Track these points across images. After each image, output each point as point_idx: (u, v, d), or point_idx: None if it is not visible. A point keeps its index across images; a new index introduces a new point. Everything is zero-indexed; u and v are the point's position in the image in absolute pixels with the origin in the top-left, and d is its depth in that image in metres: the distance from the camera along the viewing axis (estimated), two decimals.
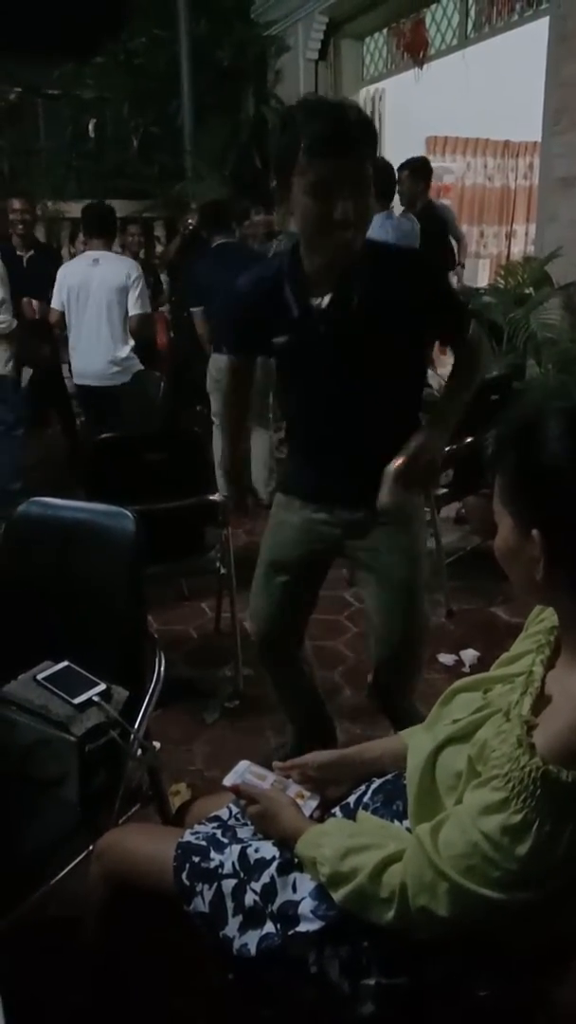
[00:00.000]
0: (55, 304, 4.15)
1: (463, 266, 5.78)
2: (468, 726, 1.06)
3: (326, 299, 1.69)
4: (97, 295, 4.00)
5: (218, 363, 4.35)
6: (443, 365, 5.35)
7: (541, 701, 1.00)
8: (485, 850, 0.92)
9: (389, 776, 1.29)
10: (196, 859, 1.22)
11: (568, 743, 0.90)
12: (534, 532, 0.94)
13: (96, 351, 4.07)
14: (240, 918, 1.16)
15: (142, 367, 4.19)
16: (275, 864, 1.18)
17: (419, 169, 4.97)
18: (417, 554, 1.90)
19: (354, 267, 1.64)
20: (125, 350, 4.11)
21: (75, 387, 4.30)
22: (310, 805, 1.25)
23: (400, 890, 1.00)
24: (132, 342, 4.13)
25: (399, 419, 1.76)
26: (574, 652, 0.99)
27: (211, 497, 2.73)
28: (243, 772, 1.29)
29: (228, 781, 1.28)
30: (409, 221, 4.70)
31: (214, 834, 1.27)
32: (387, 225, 4.16)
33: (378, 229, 3.96)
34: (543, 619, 1.13)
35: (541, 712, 0.97)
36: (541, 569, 0.94)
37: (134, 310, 4.05)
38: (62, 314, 4.12)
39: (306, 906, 1.13)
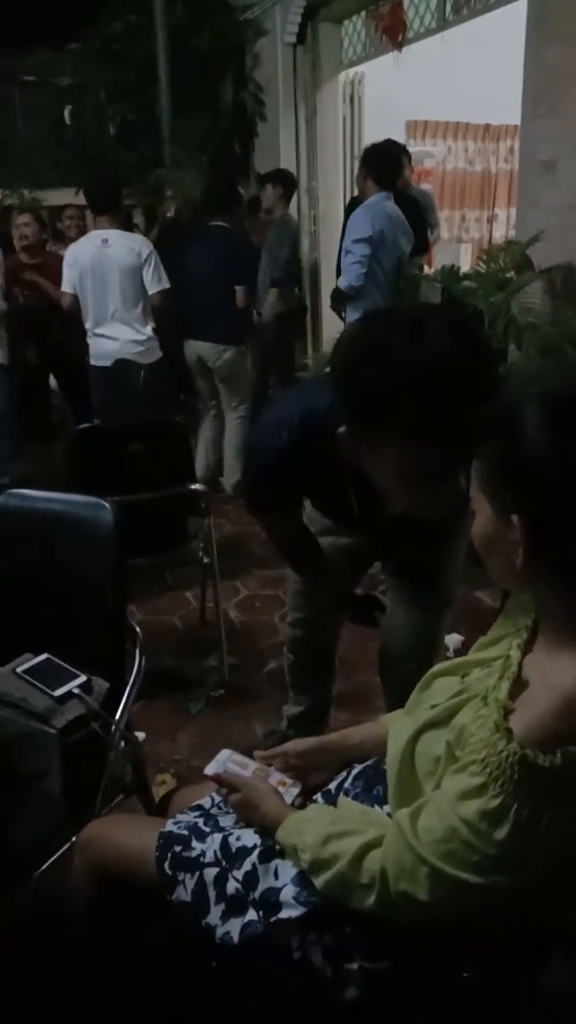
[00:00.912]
0: (67, 287, 4.03)
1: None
2: (446, 711, 1.07)
3: (395, 509, 1.41)
4: (112, 276, 3.92)
5: (192, 348, 4.37)
6: None
7: (518, 686, 1.00)
8: (464, 835, 0.93)
9: (370, 762, 1.30)
10: (178, 848, 1.22)
11: (545, 728, 0.90)
12: (514, 518, 0.93)
13: (118, 332, 4.00)
14: (222, 906, 1.17)
15: (160, 353, 4.14)
16: (257, 852, 1.19)
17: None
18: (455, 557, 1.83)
19: None
20: (147, 330, 4.05)
21: (93, 369, 4.15)
22: (292, 792, 1.25)
23: (381, 875, 1.01)
24: (152, 322, 4.07)
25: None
26: (551, 637, 1.00)
27: (193, 487, 2.72)
28: (225, 761, 1.29)
29: (210, 770, 1.28)
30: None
31: (196, 823, 1.27)
32: (385, 206, 4.03)
33: (375, 208, 3.86)
34: (521, 603, 1.13)
35: (518, 697, 0.98)
36: (521, 555, 0.94)
37: (153, 287, 3.96)
38: (75, 297, 4.02)
39: (288, 893, 1.14)
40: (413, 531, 1.53)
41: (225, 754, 1.31)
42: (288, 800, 1.23)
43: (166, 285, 4.01)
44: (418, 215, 5.11)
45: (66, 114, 7.36)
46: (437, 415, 1.14)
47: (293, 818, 1.15)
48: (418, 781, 1.09)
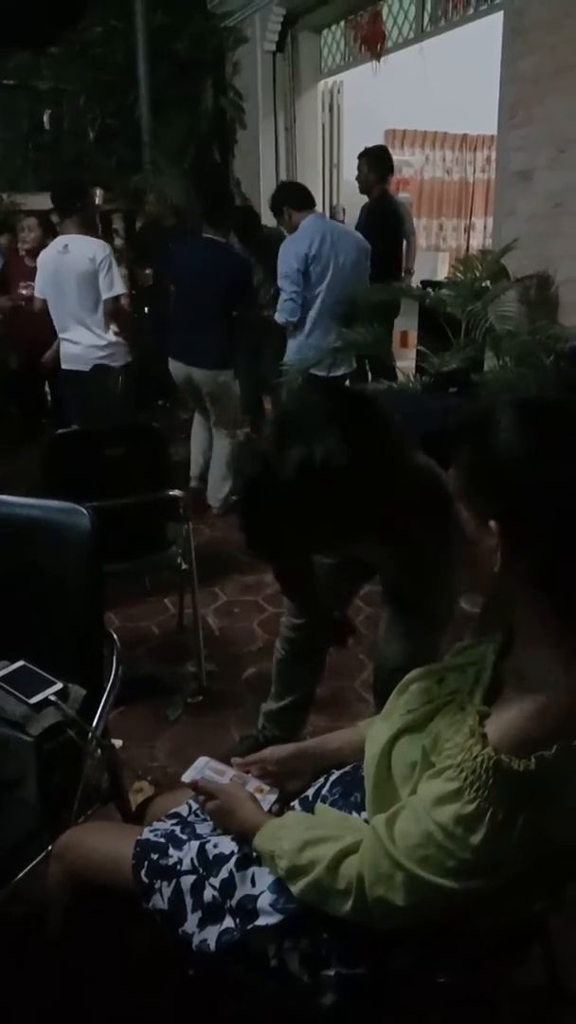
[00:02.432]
0: (37, 292, 4.10)
1: (410, 272, 5.47)
2: (421, 716, 1.07)
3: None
4: (69, 282, 3.94)
5: (182, 369, 4.26)
6: (402, 358, 5.38)
7: (493, 691, 1.01)
8: (439, 840, 0.93)
9: (347, 768, 1.30)
10: (155, 856, 1.22)
11: (519, 732, 0.91)
12: (491, 523, 0.94)
13: (80, 337, 4.01)
14: (199, 914, 1.17)
15: (130, 357, 4.13)
16: (234, 859, 1.19)
17: (375, 158, 4.91)
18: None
19: None
20: (108, 335, 4.05)
21: (63, 373, 4.18)
22: (269, 799, 1.25)
23: (357, 881, 1.01)
24: (113, 326, 4.06)
25: None
26: (526, 642, 1.01)
27: (172, 492, 2.72)
28: (202, 768, 1.29)
29: (187, 777, 1.28)
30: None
31: (173, 831, 1.27)
32: (310, 230, 4.00)
33: (298, 239, 3.93)
34: (496, 609, 1.14)
35: (494, 702, 0.98)
36: (498, 560, 0.94)
37: (105, 292, 3.95)
38: (44, 301, 4.06)
39: (265, 900, 1.14)
40: (406, 561, 1.60)
41: (202, 761, 1.31)
42: (265, 807, 1.23)
43: (120, 291, 4.01)
44: (398, 224, 5.15)
45: (45, 118, 7.32)
46: None
47: (270, 824, 1.15)
48: (395, 786, 1.09)
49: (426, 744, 1.02)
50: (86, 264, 3.91)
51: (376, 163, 4.88)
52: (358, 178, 4.97)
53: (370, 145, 5.06)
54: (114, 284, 3.96)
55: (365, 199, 5.03)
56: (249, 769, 1.31)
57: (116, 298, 3.98)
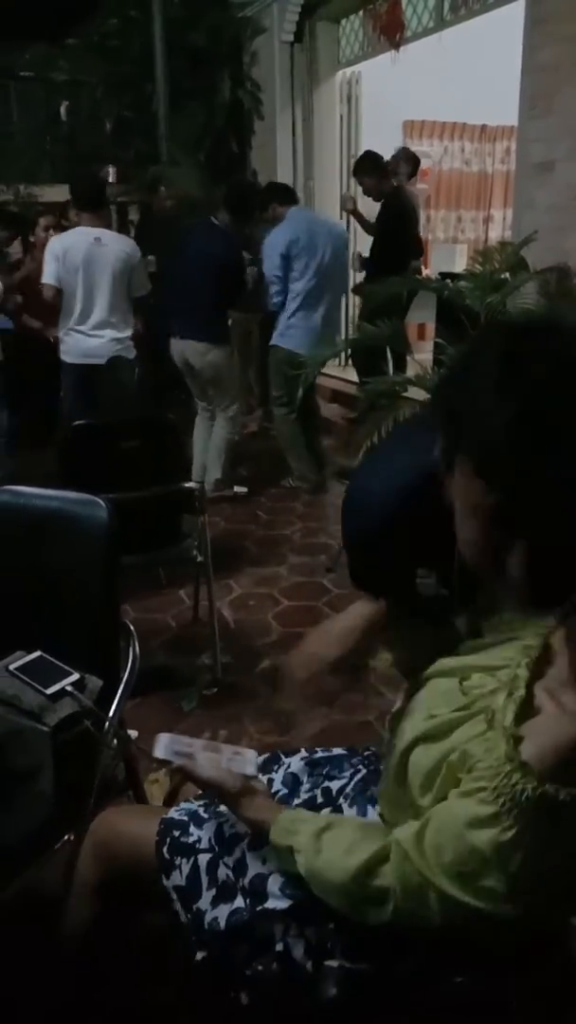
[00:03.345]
0: (50, 279, 3.98)
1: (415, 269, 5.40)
2: (444, 725, 1.01)
3: None
4: (104, 276, 3.94)
5: (178, 348, 4.36)
6: (420, 351, 5.35)
7: (526, 710, 0.94)
8: (475, 861, 0.89)
9: (373, 766, 1.30)
10: (176, 834, 1.25)
11: (560, 759, 0.86)
12: (520, 542, 0.81)
13: (103, 331, 4.02)
14: (213, 892, 1.19)
15: (135, 351, 4.15)
16: (248, 839, 1.20)
17: (371, 163, 5.09)
18: None
19: None
20: (128, 330, 4.11)
21: (72, 367, 4.12)
22: (250, 758, 1.25)
23: (392, 894, 0.97)
24: (132, 324, 4.12)
25: None
26: (565, 662, 0.93)
27: (187, 484, 2.72)
28: (168, 745, 1.27)
29: (159, 754, 1.26)
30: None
31: (197, 810, 1.29)
32: (292, 224, 4.44)
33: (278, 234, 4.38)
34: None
35: (526, 722, 0.92)
36: (497, 538, 0.82)
37: (138, 291, 4.07)
38: (58, 290, 3.98)
39: (275, 882, 1.14)
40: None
41: (166, 738, 1.28)
42: (250, 770, 1.23)
43: (146, 291, 4.12)
44: (413, 218, 5.17)
45: (62, 110, 7.33)
46: None
47: (282, 818, 1.12)
48: (410, 792, 1.07)
49: (452, 760, 0.97)
50: (125, 260, 3.96)
51: (373, 169, 5.04)
52: (366, 192, 5.20)
53: (367, 150, 5.30)
54: (145, 283, 4.08)
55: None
56: (217, 733, 1.31)
57: (143, 296, 4.07)
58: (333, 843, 1.05)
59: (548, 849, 0.87)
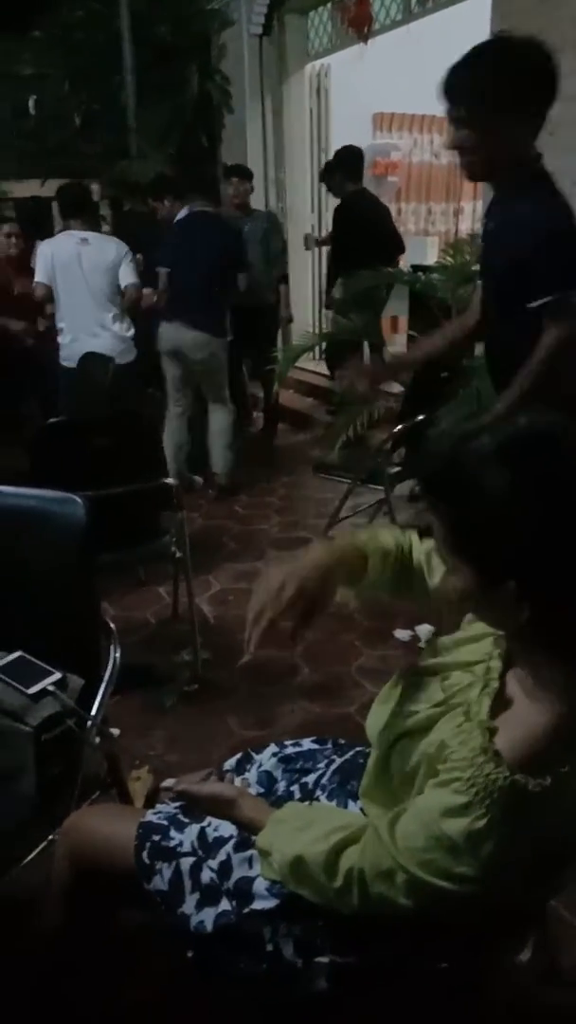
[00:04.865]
0: (41, 278, 4.02)
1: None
2: (425, 720, 1.04)
3: None
4: (89, 275, 3.95)
5: (170, 337, 4.29)
6: (393, 343, 5.37)
7: (500, 702, 0.97)
8: (445, 848, 0.90)
9: (348, 755, 1.31)
10: (156, 838, 1.24)
11: (532, 750, 0.88)
12: (510, 584, 0.87)
13: (94, 331, 4.01)
14: (197, 895, 1.18)
15: (135, 352, 4.14)
16: (232, 842, 1.20)
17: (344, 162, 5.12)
18: None
19: None
20: (126, 327, 4.09)
21: (65, 370, 4.10)
22: (228, 778, 1.25)
23: (358, 875, 0.98)
24: (128, 318, 4.10)
25: None
26: (534, 660, 0.95)
27: (165, 481, 2.71)
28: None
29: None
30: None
31: (175, 814, 1.28)
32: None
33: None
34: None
35: (501, 714, 0.95)
36: (526, 611, 0.88)
37: (127, 280, 4.03)
38: (49, 288, 4.01)
39: (261, 884, 1.14)
40: None
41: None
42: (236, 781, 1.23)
43: (137, 280, 4.08)
44: (373, 220, 5.11)
45: (30, 104, 7.24)
46: None
47: (270, 821, 1.11)
48: (392, 786, 1.08)
49: (430, 752, 0.99)
50: (111, 256, 3.98)
51: (336, 167, 5.09)
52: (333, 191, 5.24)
53: (345, 144, 5.27)
54: (133, 273, 4.07)
55: None
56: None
57: (133, 284, 4.04)
58: (310, 830, 1.05)
59: (518, 837, 0.89)
